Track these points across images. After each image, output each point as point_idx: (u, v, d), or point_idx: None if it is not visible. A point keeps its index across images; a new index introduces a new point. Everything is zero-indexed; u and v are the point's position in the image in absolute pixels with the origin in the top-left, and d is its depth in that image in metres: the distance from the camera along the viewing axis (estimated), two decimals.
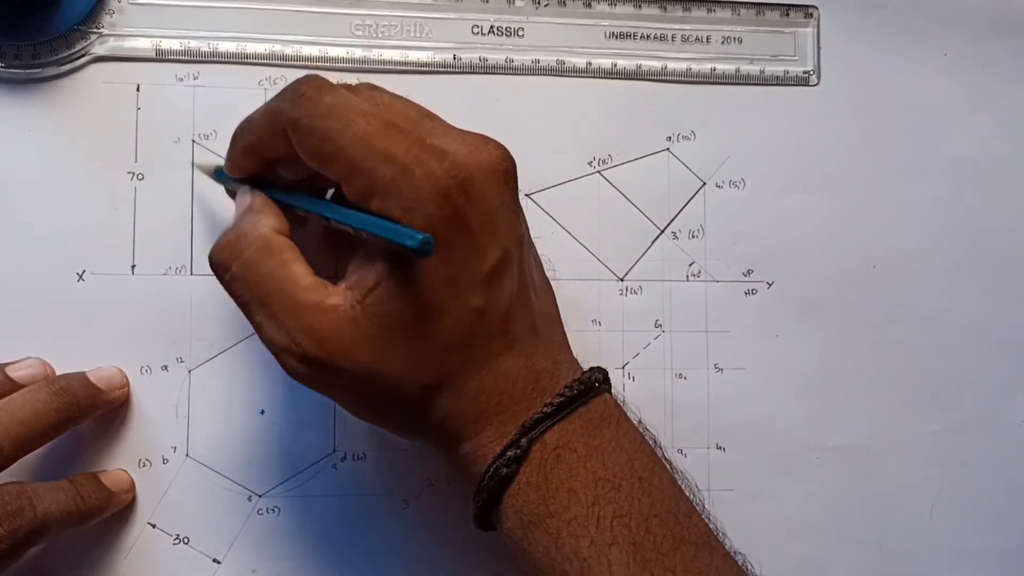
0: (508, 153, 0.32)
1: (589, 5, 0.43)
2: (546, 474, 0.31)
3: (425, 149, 0.30)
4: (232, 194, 0.36)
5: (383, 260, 0.30)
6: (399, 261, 0.30)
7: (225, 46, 0.40)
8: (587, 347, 0.41)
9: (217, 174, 0.37)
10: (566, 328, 0.36)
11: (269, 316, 0.31)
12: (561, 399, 0.32)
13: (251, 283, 0.31)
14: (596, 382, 0.33)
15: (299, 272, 0.31)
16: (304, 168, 0.32)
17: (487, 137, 0.32)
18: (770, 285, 0.43)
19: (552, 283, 0.36)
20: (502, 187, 0.31)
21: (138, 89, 0.40)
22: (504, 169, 0.31)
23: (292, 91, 0.31)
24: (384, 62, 0.41)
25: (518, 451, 0.31)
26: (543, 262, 0.37)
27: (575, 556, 0.30)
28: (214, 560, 0.39)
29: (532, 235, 0.35)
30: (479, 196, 0.30)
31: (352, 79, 0.41)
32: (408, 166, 0.30)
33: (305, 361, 0.31)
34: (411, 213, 0.29)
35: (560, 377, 0.33)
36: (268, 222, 0.32)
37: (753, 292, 0.43)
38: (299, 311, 0.31)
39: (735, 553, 0.33)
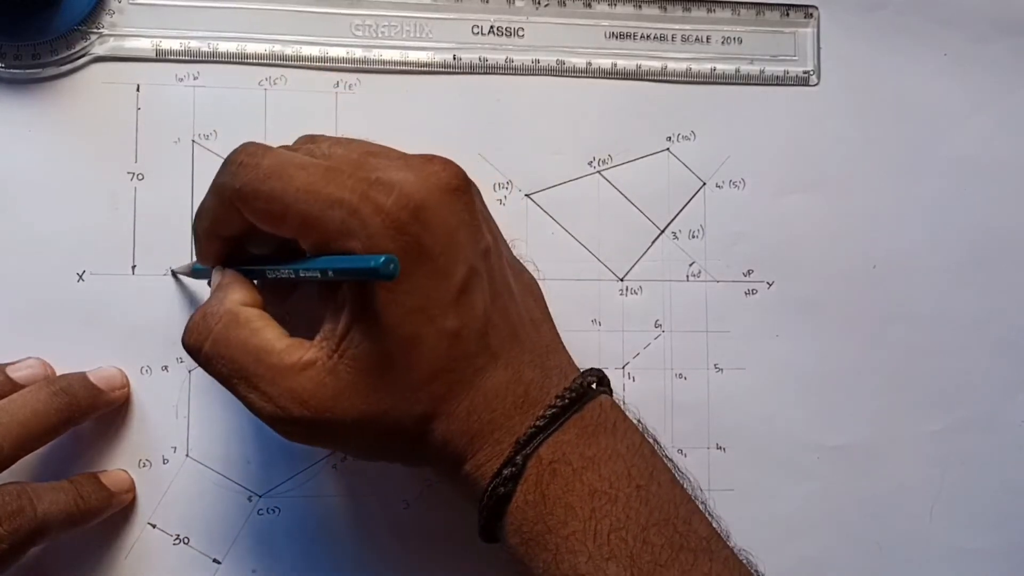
0: (457, 169, 0.32)
1: (589, 5, 0.43)
2: (543, 491, 0.31)
3: (371, 185, 0.30)
4: None
5: (351, 304, 0.31)
6: (366, 302, 0.30)
7: (225, 46, 0.40)
8: (587, 347, 0.41)
9: (194, 270, 0.38)
10: (567, 328, 0.36)
11: (251, 387, 0.31)
12: (552, 410, 0.32)
13: (226, 358, 0.32)
14: (590, 386, 0.33)
15: (271, 338, 0.31)
16: (270, 238, 0.32)
17: (433, 157, 0.32)
18: (770, 285, 0.43)
19: (545, 282, 0.36)
20: (456, 205, 0.31)
21: (138, 89, 0.40)
22: (455, 186, 0.31)
23: (230, 163, 0.32)
24: (384, 62, 0.41)
25: (514, 469, 0.31)
26: (527, 263, 0.36)
27: (573, 572, 0.30)
28: (214, 560, 0.39)
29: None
30: (434, 220, 0.30)
31: (352, 79, 0.41)
32: (356, 206, 0.30)
33: (296, 423, 0.31)
34: (368, 251, 0.29)
35: (550, 386, 0.33)
36: (234, 297, 0.33)
37: (753, 292, 0.43)
38: (278, 376, 0.31)
39: (739, 552, 0.33)
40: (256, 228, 0.32)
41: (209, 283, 0.35)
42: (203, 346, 0.32)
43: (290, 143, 0.38)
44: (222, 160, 0.32)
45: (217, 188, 0.32)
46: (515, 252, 0.37)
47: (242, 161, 0.31)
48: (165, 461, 0.39)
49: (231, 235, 0.33)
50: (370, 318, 0.30)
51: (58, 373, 0.38)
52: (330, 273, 0.30)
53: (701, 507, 0.33)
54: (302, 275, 0.32)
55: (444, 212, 0.31)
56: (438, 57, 0.42)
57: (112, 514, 0.38)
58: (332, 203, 0.30)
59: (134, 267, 0.39)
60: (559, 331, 0.36)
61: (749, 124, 0.43)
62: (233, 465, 0.40)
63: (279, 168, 0.31)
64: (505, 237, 0.36)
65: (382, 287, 0.30)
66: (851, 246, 0.43)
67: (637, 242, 0.42)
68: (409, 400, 0.31)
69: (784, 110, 0.43)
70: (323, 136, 0.34)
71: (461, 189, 0.31)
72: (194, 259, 0.37)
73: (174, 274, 0.39)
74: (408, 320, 0.30)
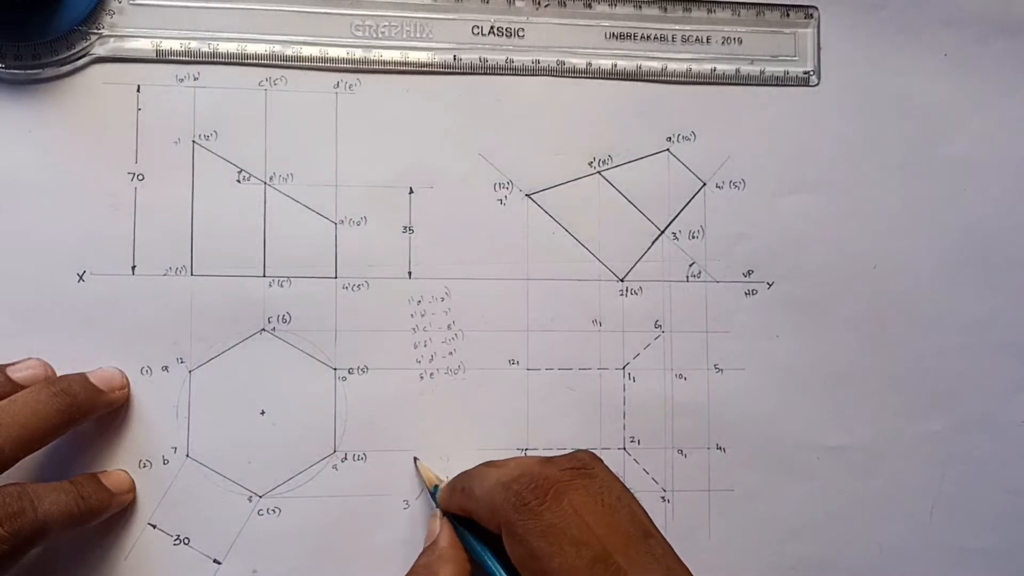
0: None
1: (589, 5, 0.43)
2: None
3: None
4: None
5: None
6: None
7: (225, 46, 0.40)
8: (587, 347, 0.41)
9: (434, 490, 0.39)
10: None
11: None
12: None
13: None
14: None
15: None
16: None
17: None
18: (770, 285, 0.43)
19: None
20: None
21: (138, 90, 0.40)
22: None
23: (517, 495, 0.32)
24: (384, 62, 0.41)
25: None
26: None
27: None
28: (214, 560, 0.39)
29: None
30: None
31: (352, 79, 0.41)
32: None
33: None
34: None
35: None
36: (446, 569, 0.35)
37: (753, 292, 0.43)
38: None
39: None
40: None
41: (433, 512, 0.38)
42: None
43: (290, 143, 0.39)
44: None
45: (492, 499, 0.33)
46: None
47: (528, 502, 0.32)
48: (165, 461, 0.39)
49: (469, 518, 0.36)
50: None
51: (58, 373, 0.38)
52: None
53: None
54: None
55: None
56: (438, 57, 0.42)
57: (112, 514, 0.38)
58: None
59: (134, 267, 0.39)
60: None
61: (749, 124, 0.43)
62: (233, 465, 0.40)
63: (555, 532, 0.31)
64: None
65: None
66: (851, 246, 0.43)
67: (637, 242, 0.42)
68: None
69: (784, 110, 0.43)
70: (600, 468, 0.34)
71: None
72: (436, 485, 0.39)
73: (416, 466, 0.40)
74: None
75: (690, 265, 0.43)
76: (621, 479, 0.34)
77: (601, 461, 0.34)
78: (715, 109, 0.43)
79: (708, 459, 0.42)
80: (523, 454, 0.41)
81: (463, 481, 0.36)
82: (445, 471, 0.40)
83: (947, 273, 0.44)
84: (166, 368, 0.39)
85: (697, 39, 0.43)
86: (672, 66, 0.43)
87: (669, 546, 0.32)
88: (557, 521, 0.31)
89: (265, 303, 0.40)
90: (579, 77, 0.42)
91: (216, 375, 0.40)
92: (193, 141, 0.40)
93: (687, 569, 0.32)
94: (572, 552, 0.31)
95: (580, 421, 0.41)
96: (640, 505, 0.34)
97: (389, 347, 0.41)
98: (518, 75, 0.42)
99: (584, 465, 0.34)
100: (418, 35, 0.42)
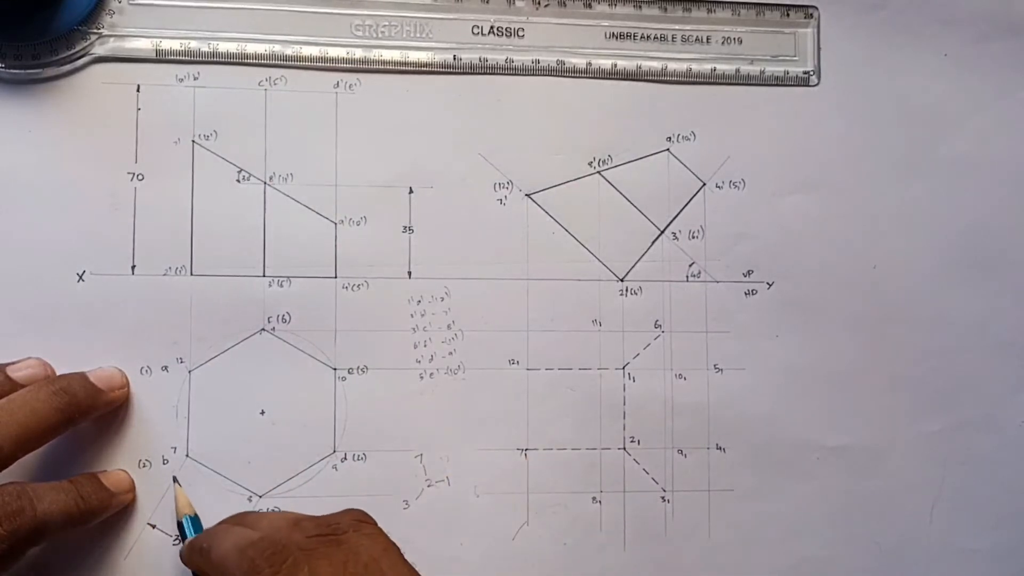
0: None
1: (589, 5, 0.43)
2: None
3: None
4: None
5: None
6: None
7: (225, 46, 0.40)
8: (587, 347, 0.41)
9: (184, 520, 0.38)
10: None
11: None
12: None
13: None
14: None
15: None
16: None
17: None
18: (770, 285, 0.43)
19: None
20: None
21: (138, 89, 0.40)
22: None
23: (251, 561, 0.31)
24: (384, 62, 0.41)
25: None
26: None
27: None
28: None
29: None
30: None
31: (352, 79, 0.41)
32: None
33: None
34: None
35: None
36: None
37: (753, 292, 0.43)
38: None
39: None
40: None
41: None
42: None
43: (290, 143, 0.39)
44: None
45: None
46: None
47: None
48: (165, 461, 0.39)
49: None
50: None
51: (58, 373, 0.38)
52: None
53: None
54: None
55: None
56: (438, 57, 0.42)
57: (112, 514, 0.38)
58: None
59: (134, 267, 0.39)
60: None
61: (749, 124, 0.43)
62: (233, 465, 0.40)
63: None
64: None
65: None
66: (851, 246, 0.43)
67: (637, 242, 0.42)
68: None
69: (784, 110, 0.43)
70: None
71: None
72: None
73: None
74: None
75: (690, 265, 0.43)
76: (388, 537, 0.33)
77: (367, 523, 0.33)
78: (715, 109, 0.43)
79: (708, 459, 0.42)
80: (523, 454, 0.41)
81: (205, 540, 0.34)
82: (445, 471, 0.40)
83: (947, 273, 0.44)
84: (166, 368, 0.39)
85: (697, 39, 0.43)
86: (672, 66, 0.43)
87: None
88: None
89: (265, 303, 0.40)
90: (579, 77, 0.42)
91: (216, 375, 0.40)
92: (193, 141, 0.40)
93: None
94: None
95: (580, 421, 0.41)
96: (402, 567, 0.32)
97: (389, 347, 0.41)
98: (518, 75, 0.42)
99: (336, 531, 0.32)
100: (418, 35, 0.42)
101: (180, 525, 0.38)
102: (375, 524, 0.33)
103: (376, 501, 0.40)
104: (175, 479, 0.39)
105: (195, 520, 0.38)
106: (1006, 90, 0.44)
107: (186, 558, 0.36)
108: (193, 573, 0.36)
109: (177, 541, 0.39)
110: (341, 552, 0.31)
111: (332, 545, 0.32)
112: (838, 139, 0.44)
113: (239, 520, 0.35)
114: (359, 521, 0.33)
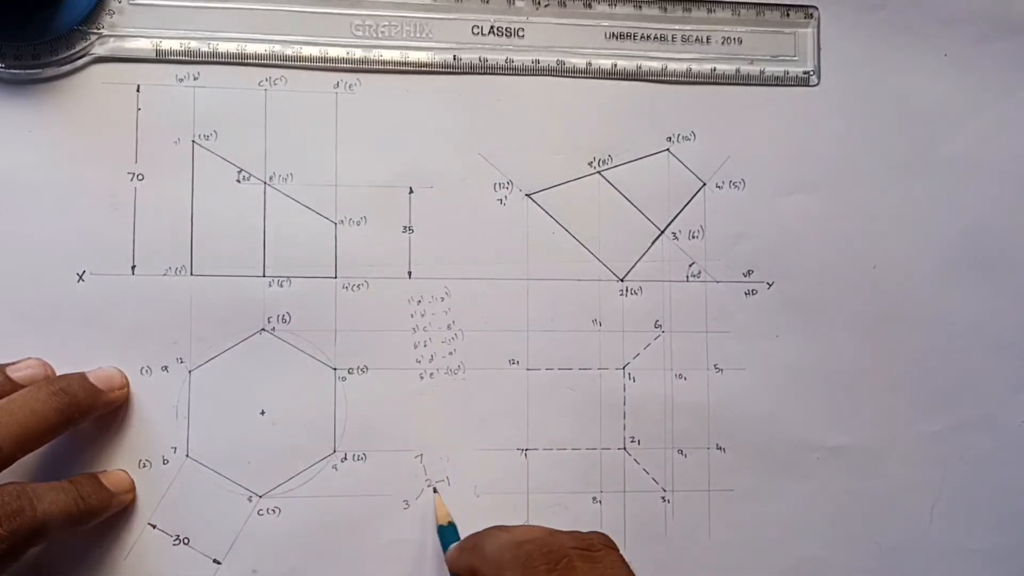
0: None
1: (589, 5, 0.43)
2: None
3: None
4: None
5: None
6: None
7: (225, 46, 0.40)
8: (587, 347, 0.41)
9: (443, 527, 0.39)
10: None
11: None
12: None
13: None
14: None
15: None
16: None
17: None
18: (770, 285, 0.43)
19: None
20: None
21: (138, 89, 0.40)
22: None
23: (528, 555, 0.32)
24: (384, 62, 0.41)
25: None
26: None
27: None
28: (214, 561, 0.39)
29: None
30: None
31: (352, 79, 0.41)
32: None
33: None
34: None
35: None
36: None
37: (753, 292, 0.43)
38: None
39: None
40: None
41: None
42: None
43: (290, 143, 0.38)
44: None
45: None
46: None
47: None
48: (165, 461, 0.39)
49: None
50: None
51: (58, 373, 0.38)
52: None
53: None
54: None
55: None
56: (438, 57, 0.42)
57: (112, 514, 0.38)
58: None
59: (134, 267, 0.39)
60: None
61: (749, 124, 0.43)
62: (233, 465, 0.40)
63: None
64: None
65: None
66: (851, 246, 0.43)
67: (637, 242, 0.42)
68: None
69: (784, 110, 0.43)
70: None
71: None
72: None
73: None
74: None
75: (690, 265, 0.43)
76: (630, 568, 0.33)
77: (615, 549, 0.34)
78: (715, 109, 0.43)
79: (708, 459, 0.42)
80: (523, 454, 0.41)
81: (473, 540, 0.36)
82: (445, 471, 0.40)
83: (947, 273, 0.44)
84: (166, 368, 0.39)
85: (697, 39, 0.43)
86: (672, 66, 0.43)
87: None
88: None
89: (265, 303, 0.40)
90: (579, 77, 0.42)
91: (216, 375, 0.40)
92: (193, 141, 0.40)
93: None
94: None
95: (580, 421, 0.41)
96: None
97: (389, 347, 0.41)
98: (518, 75, 0.42)
99: (592, 546, 0.33)
100: (418, 35, 0.42)
101: (440, 531, 0.39)
102: (619, 551, 0.34)
103: (376, 501, 0.40)
104: (435, 489, 0.40)
105: (454, 528, 0.39)
106: (1006, 90, 0.44)
107: (454, 558, 0.37)
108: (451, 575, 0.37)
109: (177, 542, 0.39)
110: (598, 568, 0.32)
111: (589, 561, 0.32)
112: (838, 139, 0.44)
113: (502, 527, 0.36)
114: (607, 546, 0.34)
